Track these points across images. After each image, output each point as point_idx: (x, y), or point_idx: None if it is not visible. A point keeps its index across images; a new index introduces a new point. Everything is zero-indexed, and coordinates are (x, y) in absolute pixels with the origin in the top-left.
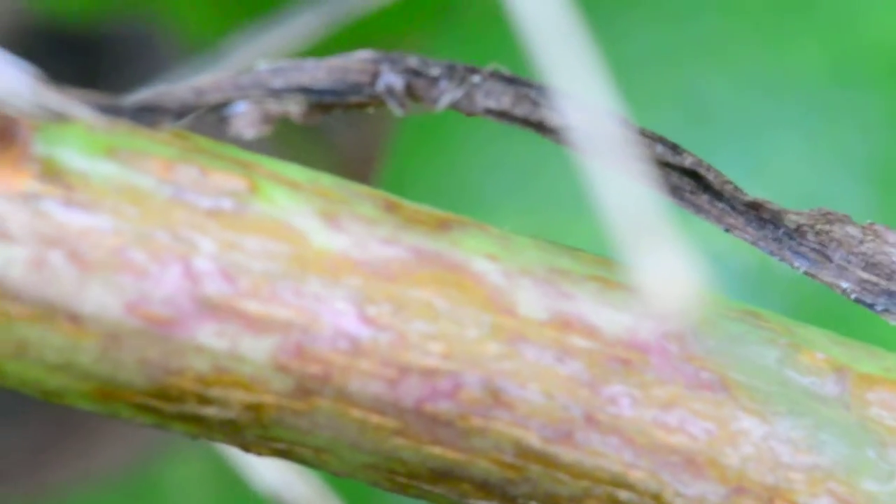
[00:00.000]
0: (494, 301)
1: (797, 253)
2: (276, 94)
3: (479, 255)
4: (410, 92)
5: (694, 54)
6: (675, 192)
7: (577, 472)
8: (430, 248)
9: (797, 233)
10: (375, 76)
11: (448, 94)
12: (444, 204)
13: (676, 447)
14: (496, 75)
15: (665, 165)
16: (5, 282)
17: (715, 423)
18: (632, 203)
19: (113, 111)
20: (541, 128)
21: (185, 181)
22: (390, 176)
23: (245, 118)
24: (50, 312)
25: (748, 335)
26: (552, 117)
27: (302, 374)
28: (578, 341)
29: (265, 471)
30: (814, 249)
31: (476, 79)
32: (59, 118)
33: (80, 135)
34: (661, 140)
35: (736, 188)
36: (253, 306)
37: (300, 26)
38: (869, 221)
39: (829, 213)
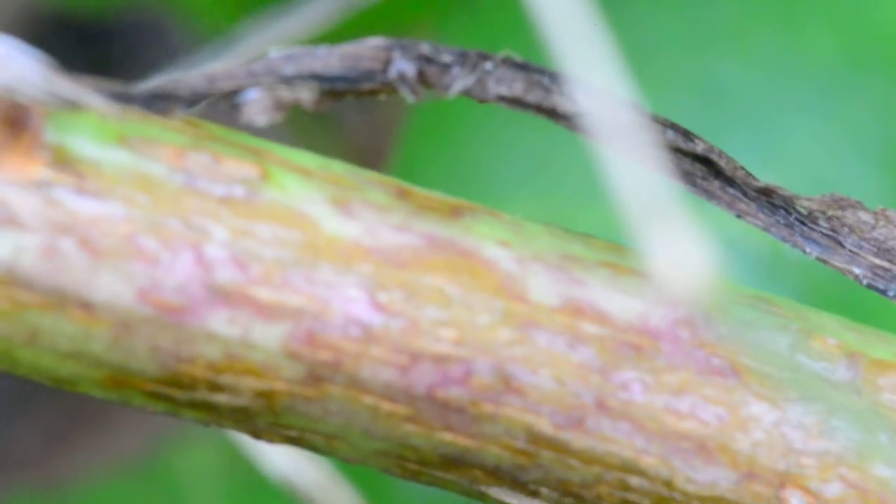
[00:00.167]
0: (506, 287)
1: (809, 238)
2: (288, 81)
3: (490, 241)
4: (422, 79)
5: (708, 39)
6: (687, 178)
7: (588, 458)
8: (441, 234)
9: (809, 218)
10: (387, 63)
11: (460, 80)
12: (455, 191)
13: (687, 433)
14: (508, 62)
15: (677, 151)
16: (17, 270)
17: (726, 409)
18: (644, 189)
19: (124, 99)
20: (553, 114)
21: (196, 169)
22: (402, 163)
23: (257, 105)
24: (62, 300)
25: (760, 321)
26: (564, 104)
27: (313, 361)
28: (590, 327)
29: (276, 458)
30: (826, 235)
31: (488, 65)
32: (71, 106)
33: (92, 123)
34: (673, 126)
35: (748, 174)
36: (264, 293)
37: (312, 13)
38: (881, 207)
39: (840, 199)
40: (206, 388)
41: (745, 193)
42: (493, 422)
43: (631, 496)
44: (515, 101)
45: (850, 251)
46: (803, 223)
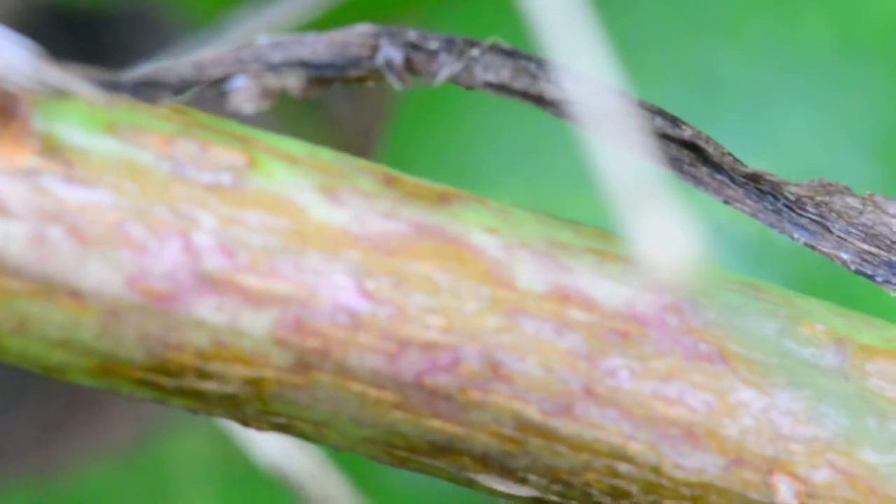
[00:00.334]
0: (493, 274)
1: (797, 224)
2: (276, 68)
3: (478, 228)
4: (409, 65)
5: (702, 28)
6: (675, 164)
7: (576, 444)
8: (429, 221)
9: (797, 204)
10: (375, 50)
11: (447, 67)
12: (443, 178)
13: (675, 419)
14: (495, 49)
15: (664, 138)
16: (5, 258)
17: (714, 395)
18: (631, 175)
19: (112, 87)
20: (540, 101)
21: (184, 156)
22: (390, 150)
23: (244, 93)
24: (50, 288)
25: (747, 307)
26: (551, 90)
27: (301, 349)
28: (577, 314)
29: (266, 446)
30: (813, 221)
31: (475, 52)
32: (60, 94)
33: (80, 110)
34: (661, 112)
35: (735, 160)
36: (252, 281)
37: (300, 1)
38: (869, 192)
39: (828, 185)
40: (194, 376)
41: (732, 179)
42: (481, 409)
43: (619, 483)
44: (502, 88)
45: (838, 237)
46: (791, 209)
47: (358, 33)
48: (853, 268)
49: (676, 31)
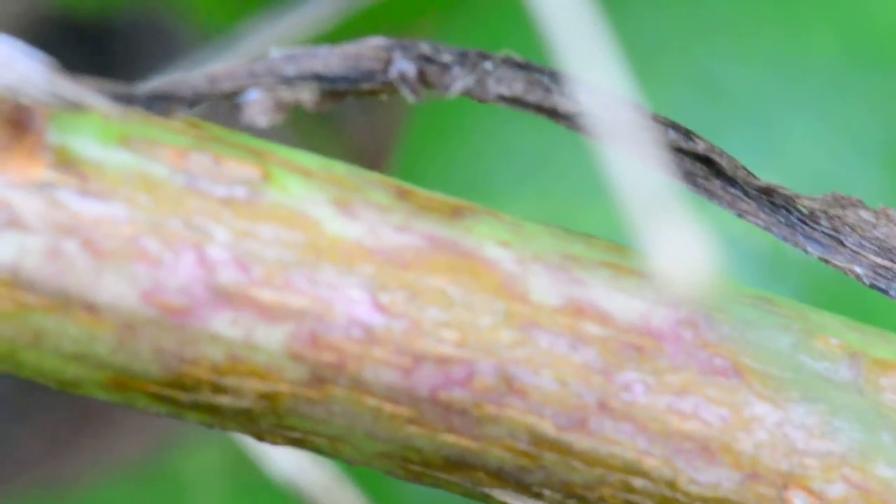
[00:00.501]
0: (507, 288)
1: (810, 238)
2: (289, 81)
3: (491, 241)
4: (423, 78)
5: (708, 37)
6: (688, 177)
7: (591, 459)
8: (442, 235)
9: (810, 218)
10: (388, 63)
11: (460, 80)
12: (456, 191)
13: (690, 433)
14: (508, 61)
15: (678, 151)
16: (21, 271)
17: (729, 410)
18: (645, 188)
19: (126, 100)
20: (553, 114)
21: (198, 170)
22: (402, 163)
23: (258, 106)
24: (65, 302)
25: (762, 321)
26: (565, 103)
27: (316, 363)
28: (592, 328)
29: (280, 460)
30: (827, 234)
31: (488, 65)
32: (74, 107)
33: (95, 124)
34: (674, 126)
35: (748, 173)
36: (267, 295)
37: (313, 13)
38: (882, 206)
39: (842, 198)
40: (210, 390)
41: (746, 193)
42: (496, 423)
43: (634, 497)
44: (516, 101)
45: (852, 250)
46: (804, 222)
47: (371, 46)
48: (867, 281)
49: (682, 40)
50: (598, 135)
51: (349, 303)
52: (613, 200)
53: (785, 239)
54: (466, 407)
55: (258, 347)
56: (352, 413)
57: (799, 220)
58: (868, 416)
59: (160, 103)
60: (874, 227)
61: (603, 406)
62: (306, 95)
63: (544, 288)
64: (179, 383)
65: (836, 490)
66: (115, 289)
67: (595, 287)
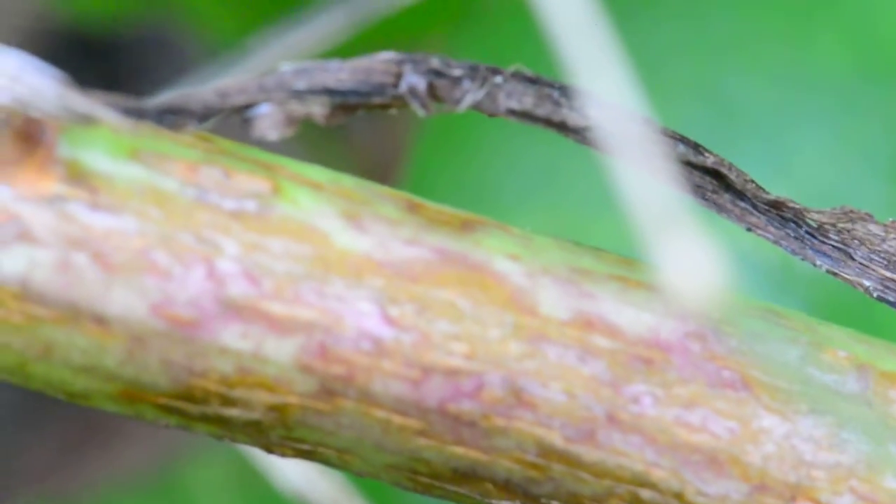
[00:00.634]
0: (516, 301)
1: (819, 251)
2: (300, 95)
3: (501, 255)
4: (433, 93)
5: (718, 52)
6: (698, 191)
7: (599, 471)
8: (452, 248)
9: (819, 231)
10: (398, 77)
11: (470, 94)
12: (465, 204)
13: (698, 446)
14: (518, 75)
15: (687, 165)
16: (31, 284)
17: (737, 422)
18: (654, 202)
19: (137, 114)
20: (563, 128)
21: (208, 183)
22: (412, 177)
23: (268, 120)
24: (75, 314)
25: (770, 333)
26: (575, 117)
27: (325, 375)
28: (600, 341)
29: (289, 472)
30: (836, 248)
31: (498, 79)
32: (84, 121)
33: (105, 137)
34: (684, 139)
35: (758, 187)
36: (277, 307)
37: (322, 28)
38: (891, 219)
39: (851, 212)
40: (219, 402)
41: (755, 206)
42: (505, 435)
43: None
44: (526, 115)
45: (861, 264)
46: (813, 236)
47: (381, 60)
48: (875, 295)
49: (692, 55)
50: (608, 149)
51: (359, 315)
52: (623, 214)
53: (794, 252)
54: (475, 419)
55: (268, 360)
56: (361, 425)
57: (808, 233)
58: (876, 429)
59: (171, 117)
60: (883, 240)
61: (611, 418)
62: (317, 109)
63: (553, 301)
64: (189, 395)
65: (844, 502)
66: (125, 301)
67: (604, 300)
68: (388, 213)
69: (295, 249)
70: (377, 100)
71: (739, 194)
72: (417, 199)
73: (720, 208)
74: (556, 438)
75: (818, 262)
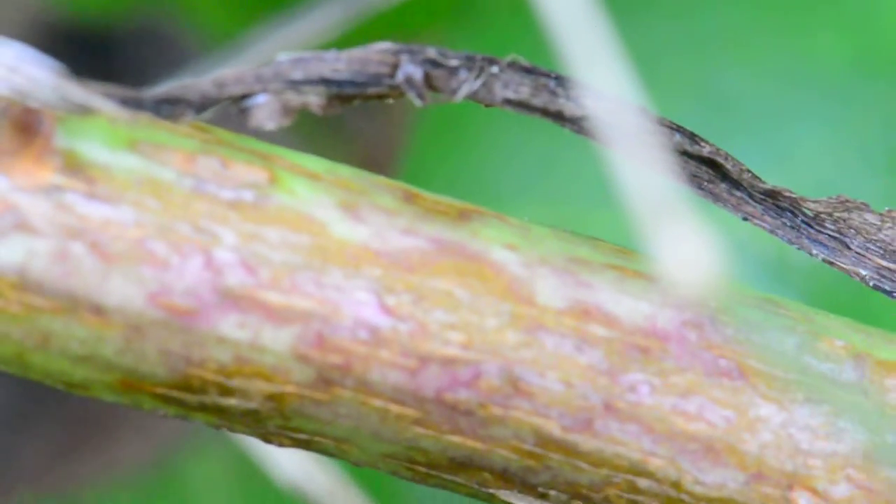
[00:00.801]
0: (513, 290)
1: (815, 241)
2: (297, 85)
3: (498, 244)
4: (429, 83)
5: (715, 45)
6: (694, 180)
7: (596, 460)
8: (449, 238)
9: (815, 220)
10: (395, 67)
11: (467, 84)
12: (462, 195)
13: (695, 434)
14: (514, 65)
15: (683, 154)
16: (29, 274)
17: (734, 411)
18: (651, 192)
19: (134, 104)
20: (560, 118)
21: (205, 173)
22: (409, 167)
23: (265, 110)
24: (73, 304)
25: (767, 322)
26: (571, 107)
27: (323, 364)
28: (597, 330)
29: (286, 463)
30: (832, 237)
31: (495, 69)
32: (82, 111)
33: (102, 127)
34: (680, 129)
35: (754, 176)
36: (274, 297)
37: (319, 21)
38: (888, 209)
39: (847, 201)
40: (217, 392)
41: (751, 196)
42: (502, 424)
43: (639, 498)
44: (522, 105)
45: (857, 253)
46: (809, 225)
47: (378, 51)
48: (871, 284)
49: (689, 49)
50: (604, 138)
51: (356, 305)
52: (620, 204)
53: (790, 241)
54: (472, 408)
55: (265, 349)
56: (358, 414)
57: (804, 222)
58: (872, 417)
59: (168, 107)
60: (879, 229)
61: (608, 407)
62: (313, 99)
63: (550, 290)
64: (186, 385)
65: (841, 490)
66: (123, 291)
67: (601, 289)
68: (385, 203)
69: (292, 239)
70: (374, 90)
71: (735, 184)
72: (414, 190)
73: (716, 198)
74: (553, 427)
75: (814, 252)
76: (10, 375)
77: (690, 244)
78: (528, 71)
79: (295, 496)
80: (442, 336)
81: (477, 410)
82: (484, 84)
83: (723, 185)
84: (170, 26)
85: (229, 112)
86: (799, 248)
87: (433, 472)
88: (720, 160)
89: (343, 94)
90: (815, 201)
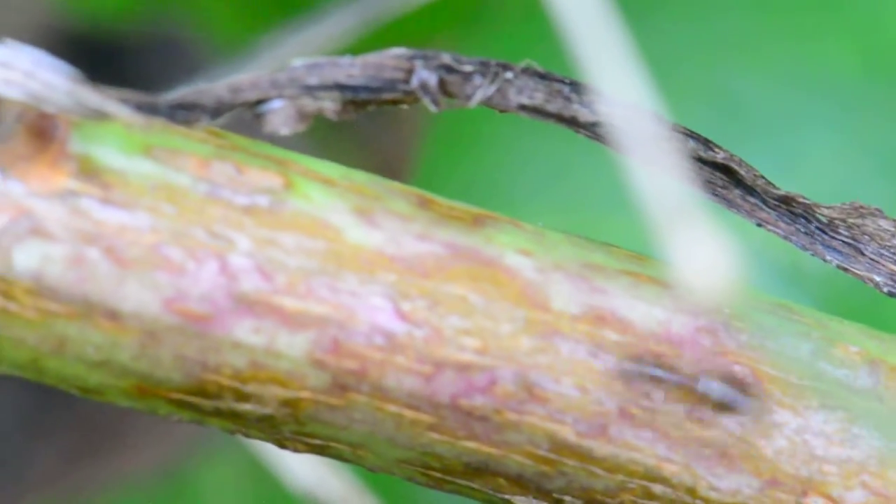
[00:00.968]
0: (528, 296)
1: (829, 247)
2: (312, 91)
3: (512, 250)
4: (444, 88)
5: (726, 51)
6: (708, 187)
7: (611, 465)
8: (463, 243)
9: (829, 226)
10: (410, 73)
11: (481, 90)
12: (476, 201)
13: (710, 440)
14: (529, 71)
15: (698, 160)
16: (44, 279)
17: (749, 417)
18: (666, 198)
19: (149, 109)
20: (574, 123)
21: (220, 179)
22: (423, 173)
23: (280, 115)
24: (88, 310)
25: (781, 328)
26: (585, 113)
27: (338, 370)
28: (612, 335)
29: (299, 469)
30: (846, 243)
31: (509, 75)
32: (97, 116)
33: (118, 133)
34: (694, 135)
35: (768, 182)
36: (289, 302)
37: (333, 27)
38: None
39: (861, 207)
40: (232, 397)
41: (765, 202)
42: (517, 430)
43: None
44: (536, 111)
45: (871, 259)
46: (823, 231)
47: (392, 56)
48: (885, 290)
49: (701, 55)
50: (618, 144)
51: (371, 310)
52: (634, 210)
53: (804, 247)
54: (487, 414)
55: (280, 355)
56: (373, 420)
57: (818, 228)
58: (887, 423)
59: (183, 113)
60: (893, 236)
61: (623, 413)
62: (328, 105)
63: (565, 296)
64: (202, 390)
65: (855, 497)
66: (138, 296)
67: (615, 295)
68: (399, 209)
69: (307, 244)
70: (388, 95)
71: (749, 190)
72: (429, 195)
73: (730, 204)
74: (568, 433)
75: (828, 258)
76: (24, 381)
77: (705, 250)
78: (543, 76)
79: (307, 501)
80: (457, 342)
81: (492, 416)
82: (498, 90)
83: (737, 191)
84: (183, 33)
85: (244, 117)
86: (813, 254)
87: (448, 478)
88: (734, 166)
89: (358, 99)
90: (828, 207)
